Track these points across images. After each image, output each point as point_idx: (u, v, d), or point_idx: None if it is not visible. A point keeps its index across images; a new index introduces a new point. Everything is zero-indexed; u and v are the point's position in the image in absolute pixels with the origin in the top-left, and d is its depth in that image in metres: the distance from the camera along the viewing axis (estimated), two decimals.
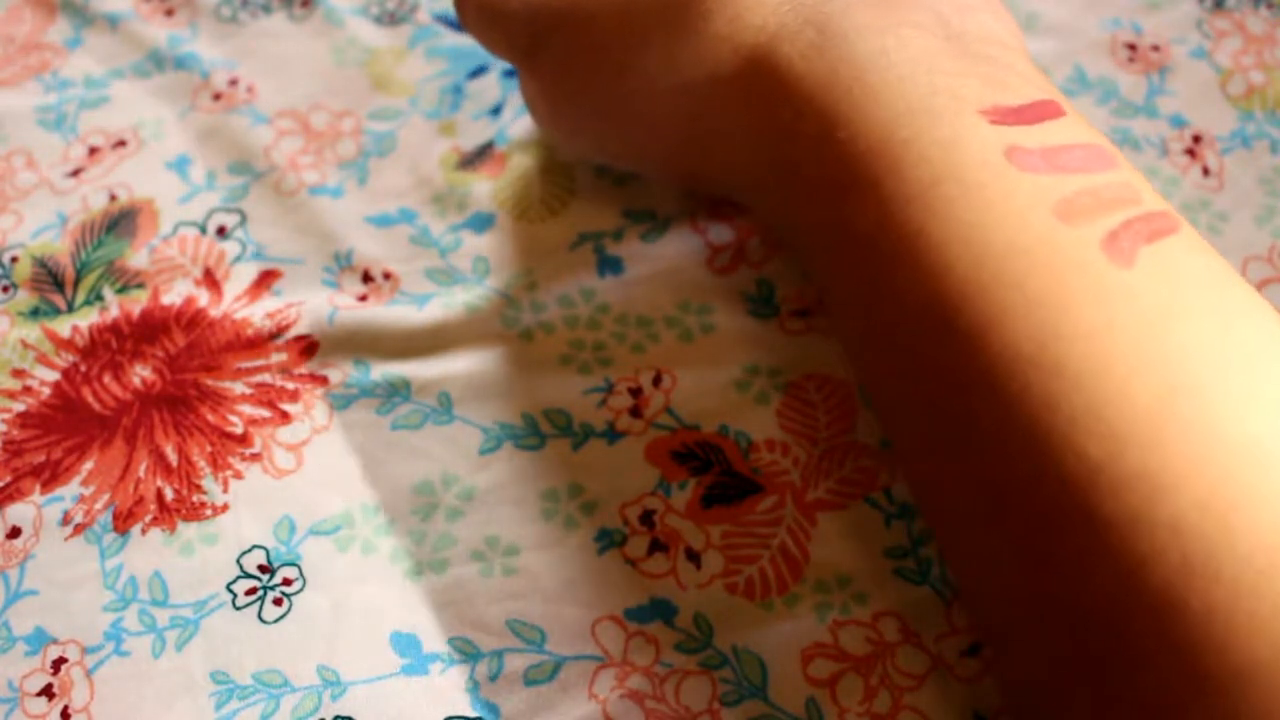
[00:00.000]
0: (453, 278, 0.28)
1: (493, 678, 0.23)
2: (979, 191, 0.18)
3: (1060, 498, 0.16)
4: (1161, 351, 0.16)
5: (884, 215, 0.19)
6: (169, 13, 0.34)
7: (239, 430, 0.26)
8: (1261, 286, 0.27)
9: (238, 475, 0.26)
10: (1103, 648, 0.16)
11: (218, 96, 0.32)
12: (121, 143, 0.31)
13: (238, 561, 0.25)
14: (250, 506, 0.25)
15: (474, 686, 0.23)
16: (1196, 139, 0.30)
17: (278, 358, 0.27)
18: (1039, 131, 0.19)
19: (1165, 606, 0.15)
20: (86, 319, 0.28)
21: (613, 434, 0.26)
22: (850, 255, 0.20)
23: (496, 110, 0.31)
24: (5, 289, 0.29)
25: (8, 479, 0.26)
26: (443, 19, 0.34)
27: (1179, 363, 0.16)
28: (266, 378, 0.27)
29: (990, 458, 0.17)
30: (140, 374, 0.27)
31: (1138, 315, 0.16)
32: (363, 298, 0.28)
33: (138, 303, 0.28)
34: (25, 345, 0.28)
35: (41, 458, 0.26)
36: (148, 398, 0.27)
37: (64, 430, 0.26)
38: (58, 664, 0.24)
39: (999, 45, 0.20)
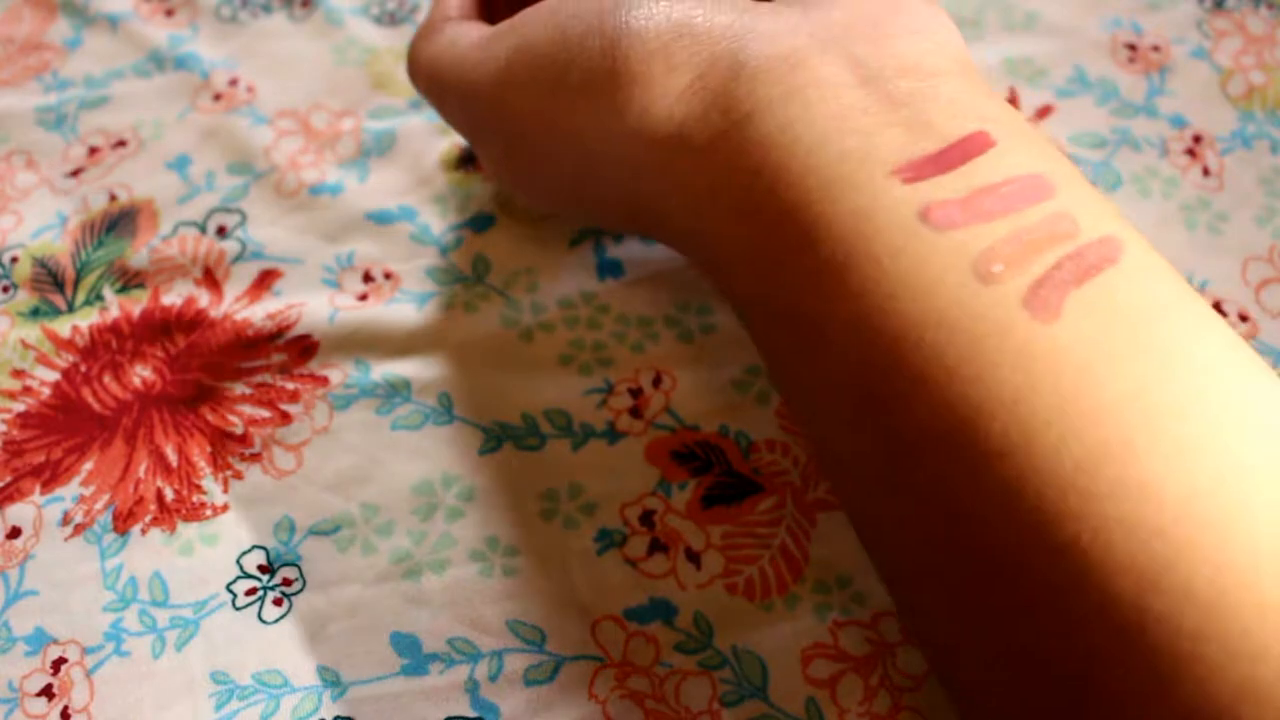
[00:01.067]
0: (453, 276, 0.28)
1: (493, 678, 0.23)
2: (892, 262, 0.17)
3: (989, 565, 0.16)
4: (1087, 408, 0.16)
5: (802, 294, 0.18)
6: (169, 13, 0.34)
7: (239, 430, 0.26)
8: (1261, 287, 0.27)
9: (238, 475, 0.26)
10: (1046, 703, 0.16)
11: (218, 96, 0.32)
12: (121, 143, 0.31)
13: (238, 562, 0.25)
14: (250, 506, 0.25)
15: (474, 686, 0.23)
16: (1196, 139, 0.30)
17: (278, 358, 0.27)
18: (963, 174, 0.18)
19: (1099, 671, 0.15)
20: (87, 319, 0.28)
21: (613, 434, 0.26)
22: (777, 327, 0.20)
23: None
24: (5, 289, 0.29)
25: (8, 479, 0.26)
26: None
27: (1106, 419, 0.15)
28: (267, 378, 0.27)
29: (921, 522, 0.17)
30: (140, 374, 0.27)
31: (1061, 372, 0.16)
32: (363, 297, 0.28)
33: (138, 303, 0.28)
34: (25, 345, 0.28)
35: (41, 458, 0.26)
36: (148, 398, 0.27)
37: (64, 430, 0.26)
38: (58, 664, 0.24)
39: (922, 74, 0.19)
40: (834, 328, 0.18)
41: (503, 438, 0.26)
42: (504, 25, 0.23)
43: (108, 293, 0.28)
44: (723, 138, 0.20)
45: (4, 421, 0.27)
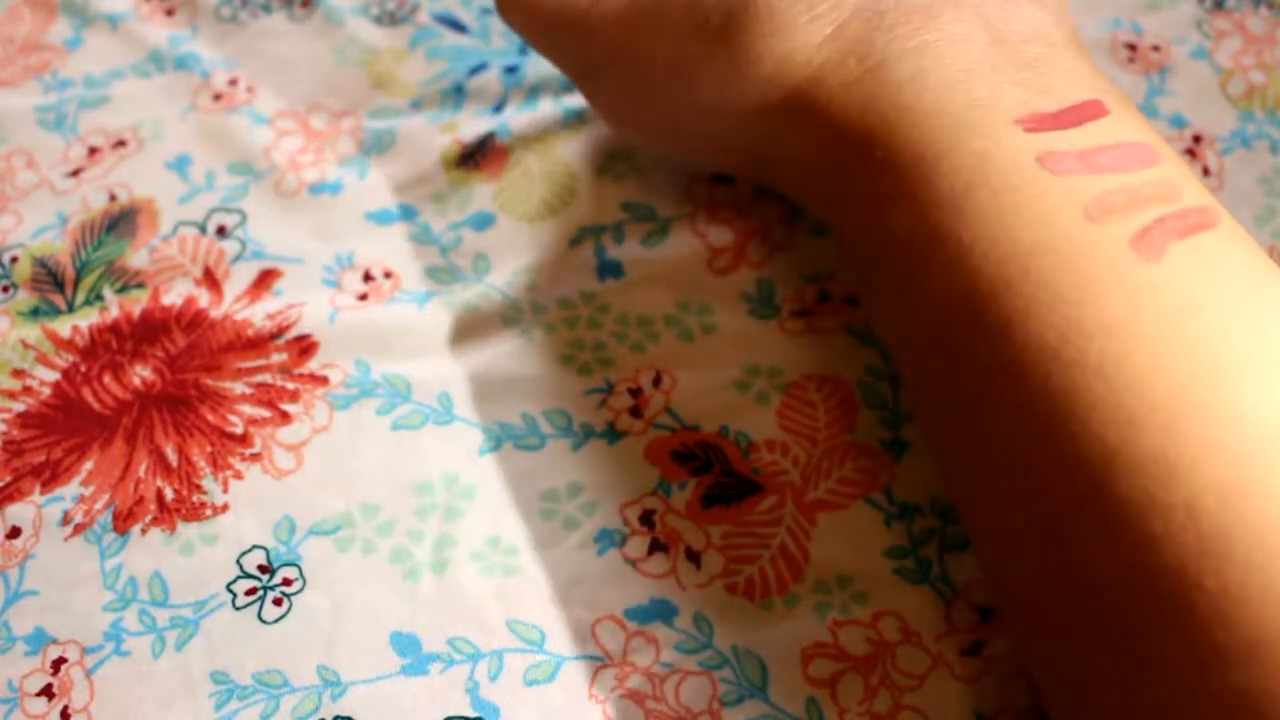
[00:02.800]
0: (453, 276, 0.28)
1: (493, 678, 0.23)
2: (1009, 195, 0.18)
3: (1078, 479, 0.17)
4: (1183, 341, 0.17)
5: (918, 221, 0.19)
6: (169, 13, 0.34)
7: (239, 430, 0.26)
8: None
9: (238, 475, 0.26)
10: (1119, 620, 0.17)
11: (218, 96, 0.32)
12: (121, 143, 0.31)
13: (238, 561, 0.25)
14: (250, 506, 0.25)
15: (474, 686, 0.23)
16: (1196, 139, 0.30)
17: (278, 358, 0.27)
18: (1078, 134, 0.19)
19: (1179, 583, 0.15)
20: (86, 319, 0.28)
21: (613, 434, 0.26)
22: (887, 255, 0.21)
23: (498, 108, 0.31)
24: (5, 289, 0.29)
25: (8, 479, 0.26)
26: (443, 19, 0.34)
27: (1200, 352, 0.16)
28: (267, 378, 0.27)
29: (1013, 440, 0.18)
30: (140, 374, 0.27)
31: (1161, 307, 0.17)
32: (363, 296, 0.28)
33: (138, 303, 0.28)
34: (25, 345, 0.28)
35: (41, 458, 0.26)
36: (148, 398, 0.27)
37: (64, 430, 0.26)
38: (58, 664, 0.24)
39: (1044, 42, 0.21)
40: (945, 254, 0.19)
41: (503, 438, 0.26)
42: None
43: (108, 293, 0.28)
44: (857, 83, 0.21)
45: (4, 421, 0.27)
